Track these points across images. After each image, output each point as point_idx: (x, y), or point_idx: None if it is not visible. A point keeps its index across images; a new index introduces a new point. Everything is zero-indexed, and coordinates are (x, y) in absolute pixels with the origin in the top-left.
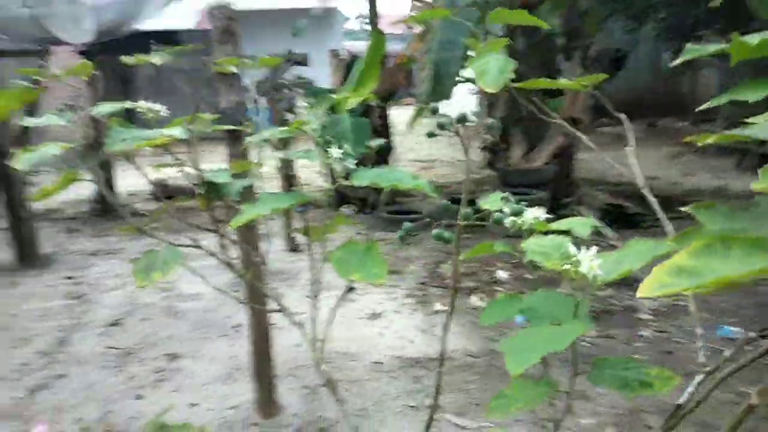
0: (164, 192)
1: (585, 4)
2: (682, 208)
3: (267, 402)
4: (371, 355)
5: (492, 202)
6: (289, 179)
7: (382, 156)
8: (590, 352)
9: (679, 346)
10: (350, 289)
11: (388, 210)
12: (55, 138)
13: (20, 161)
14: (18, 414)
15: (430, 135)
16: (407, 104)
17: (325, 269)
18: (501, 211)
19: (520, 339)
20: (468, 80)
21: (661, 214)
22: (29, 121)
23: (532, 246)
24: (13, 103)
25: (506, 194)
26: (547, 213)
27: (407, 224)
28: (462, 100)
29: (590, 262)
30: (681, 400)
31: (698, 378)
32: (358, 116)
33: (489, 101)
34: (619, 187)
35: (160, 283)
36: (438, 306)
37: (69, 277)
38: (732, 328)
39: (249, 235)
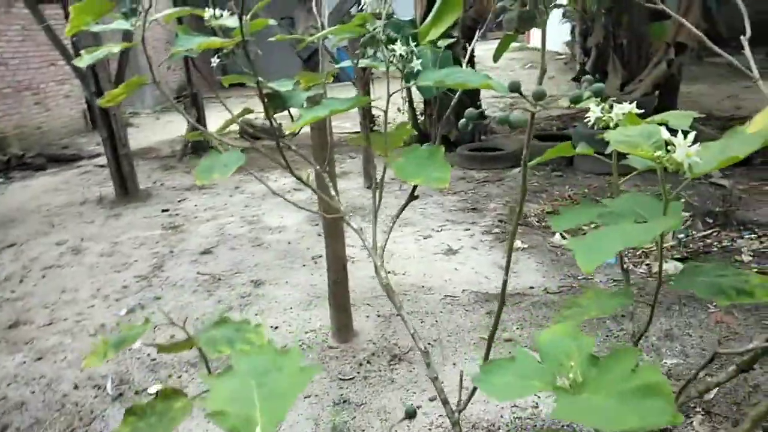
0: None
1: None
2: None
3: (343, 328)
4: (446, 290)
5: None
6: (367, 116)
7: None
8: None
9: None
10: (413, 197)
11: (470, 147)
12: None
13: (82, 60)
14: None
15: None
16: (497, 38)
17: (398, 205)
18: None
19: (594, 236)
20: (561, 6)
21: None
22: (97, 27)
23: (615, 136)
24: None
25: (588, 76)
26: None
27: (471, 111)
28: (554, 29)
29: (687, 149)
30: None
31: None
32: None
33: (583, 28)
34: (731, 123)
35: (248, 216)
36: (518, 243)
37: (165, 210)
38: None
39: (326, 173)
